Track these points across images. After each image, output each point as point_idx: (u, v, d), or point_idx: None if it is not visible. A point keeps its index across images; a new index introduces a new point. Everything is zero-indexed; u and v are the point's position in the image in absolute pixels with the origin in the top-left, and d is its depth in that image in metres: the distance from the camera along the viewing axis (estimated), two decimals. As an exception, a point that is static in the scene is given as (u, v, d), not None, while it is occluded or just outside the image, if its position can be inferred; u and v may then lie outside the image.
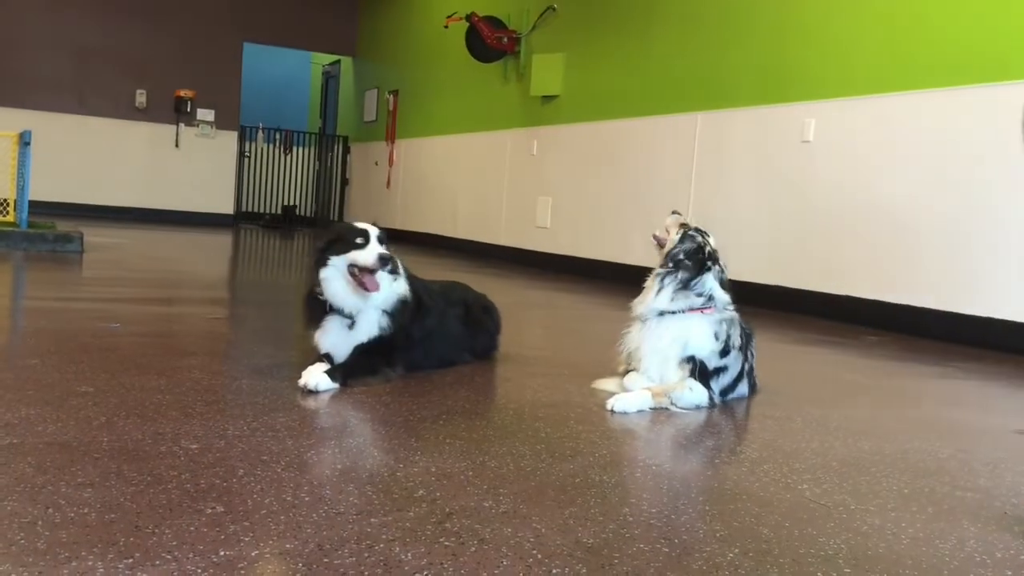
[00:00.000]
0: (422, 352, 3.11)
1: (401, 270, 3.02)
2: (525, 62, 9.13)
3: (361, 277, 2.82)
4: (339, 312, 2.89)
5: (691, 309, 2.91)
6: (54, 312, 4.05)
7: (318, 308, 2.92)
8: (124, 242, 8.60)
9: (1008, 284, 4.76)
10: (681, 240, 3.00)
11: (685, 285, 2.92)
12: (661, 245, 3.06)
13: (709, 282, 2.95)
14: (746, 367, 3.05)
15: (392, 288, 2.93)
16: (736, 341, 2.97)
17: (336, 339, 2.92)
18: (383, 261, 2.80)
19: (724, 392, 2.96)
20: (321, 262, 2.87)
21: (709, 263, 2.97)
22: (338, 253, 2.85)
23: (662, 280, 2.94)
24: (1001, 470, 2.39)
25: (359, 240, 2.83)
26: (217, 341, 3.73)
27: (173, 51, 12.46)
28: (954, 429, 2.91)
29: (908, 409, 3.22)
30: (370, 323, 2.90)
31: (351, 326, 2.89)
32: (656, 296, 2.94)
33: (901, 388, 3.67)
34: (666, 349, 2.90)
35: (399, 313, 2.93)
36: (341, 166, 14.39)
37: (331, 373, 2.76)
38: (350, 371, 2.82)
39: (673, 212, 3.16)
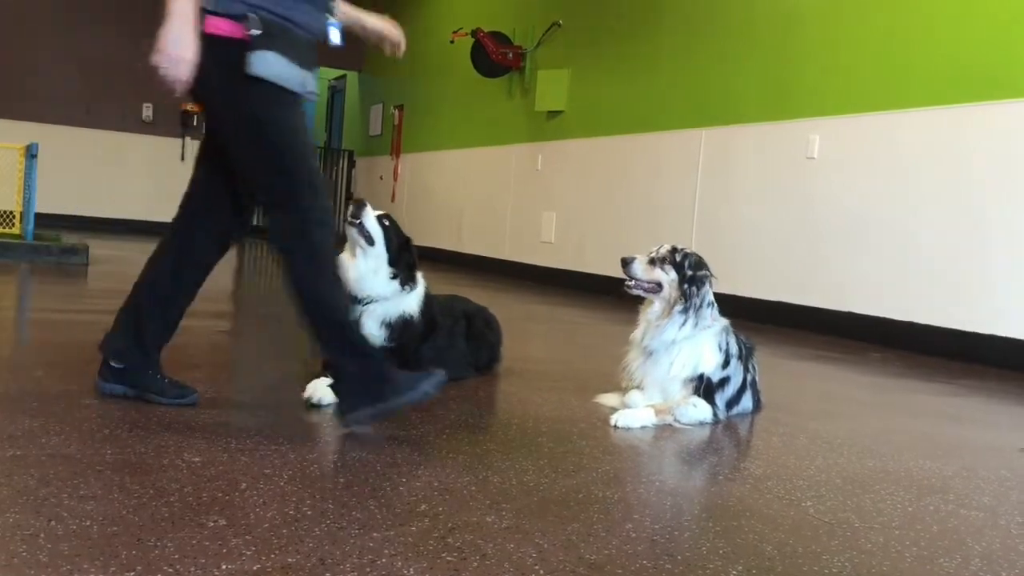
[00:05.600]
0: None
1: (420, 283, 3.03)
2: (530, 78, 9.16)
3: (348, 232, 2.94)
4: None
5: (702, 329, 2.86)
6: (59, 324, 4.06)
7: None
8: (129, 255, 8.62)
9: (1011, 301, 4.74)
10: (677, 261, 2.86)
11: (703, 302, 2.85)
12: (660, 286, 2.86)
13: (710, 288, 2.92)
14: (748, 378, 3.04)
15: (399, 300, 2.93)
16: (734, 349, 2.95)
17: None
18: (355, 204, 2.91)
19: (729, 404, 2.94)
20: None
21: (704, 261, 2.93)
22: None
23: (684, 312, 2.82)
24: (1006, 488, 2.38)
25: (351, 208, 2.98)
26: (221, 354, 3.73)
27: (180, 65, 12.51)
28: (958, 447, 2.89)
29: (912, 426, 3.21)
30: (372, 328, 2.89)
31: None
32: (680, 328, 2.83)
33: (905, 405, 3.66)
34: (677, 374, 2.86)
35: (401, 329, 2.93)
36: (346, 180, 14.43)
37: (335, 387, 2.75)
38: None
39: (623, 262, 2.91)
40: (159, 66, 2.19)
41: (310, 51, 2.44)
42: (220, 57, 2.26)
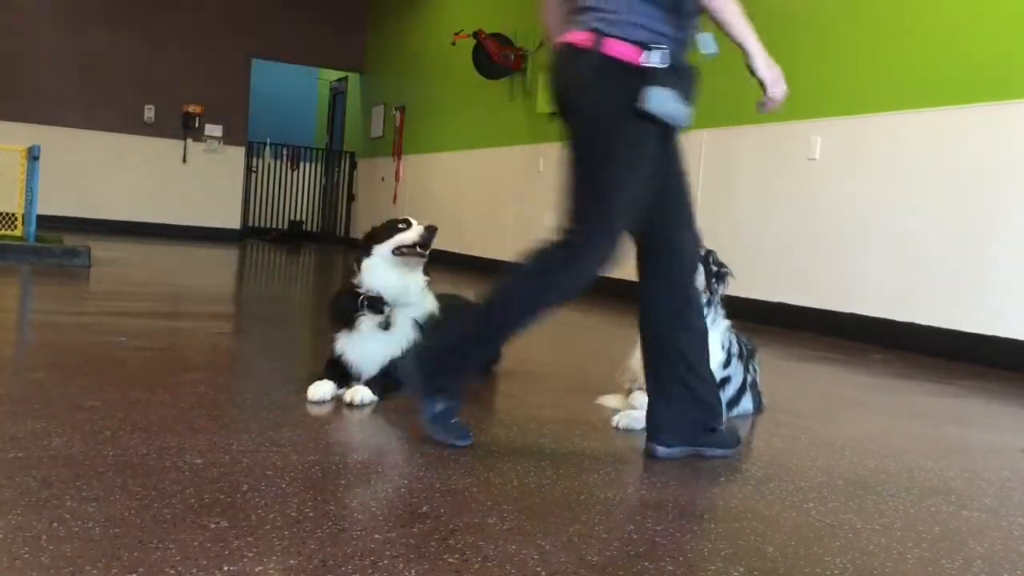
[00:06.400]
0: None
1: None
2: (532, 79, 9.17)
3: (408, 255, 2.87)
4: (374, 307, 2.84)
5: (715, 327, 2.86)
6: (60, 325, 4.06)
7: (351, 306, 2.87)
8: (131, 256, 8.63)
9: (1011, 301, 4.74)
10: (702, 255, 2.86)
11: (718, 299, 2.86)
12: None
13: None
14: (748, 379, 3.03)
15: (425, 301, 2.95)
16: (735, 349, 2.94)
17: (366, 346, 2.86)
18: (429, 232, 2.87)
19: (730, 405, 2.93)
20: (366, 252, 2.89)
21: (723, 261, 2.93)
22: (381, 241, 2.89)
23: (706, 306, 2.79)
24: (1008, 489, 2.38)
25: (401, 225, 2.91)
26: (222, 355, 3.74)
27: (181, 66, 12.53)
28: (960, 448, 2.89)
29: (914, 427, 3.21)
30: (404, 328, 2.86)
31: (384, 325, 2.84)
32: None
33: (907, 406, 3.66)
34: None
35: (424, 327, 2.93)
36: (348, 181, 14.44)
37: (370, 385, 2.78)
38: (387, 384, 2.82)
39: None
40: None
41: (695, 79, 2.37)
42: (611, 82, 2.21)
